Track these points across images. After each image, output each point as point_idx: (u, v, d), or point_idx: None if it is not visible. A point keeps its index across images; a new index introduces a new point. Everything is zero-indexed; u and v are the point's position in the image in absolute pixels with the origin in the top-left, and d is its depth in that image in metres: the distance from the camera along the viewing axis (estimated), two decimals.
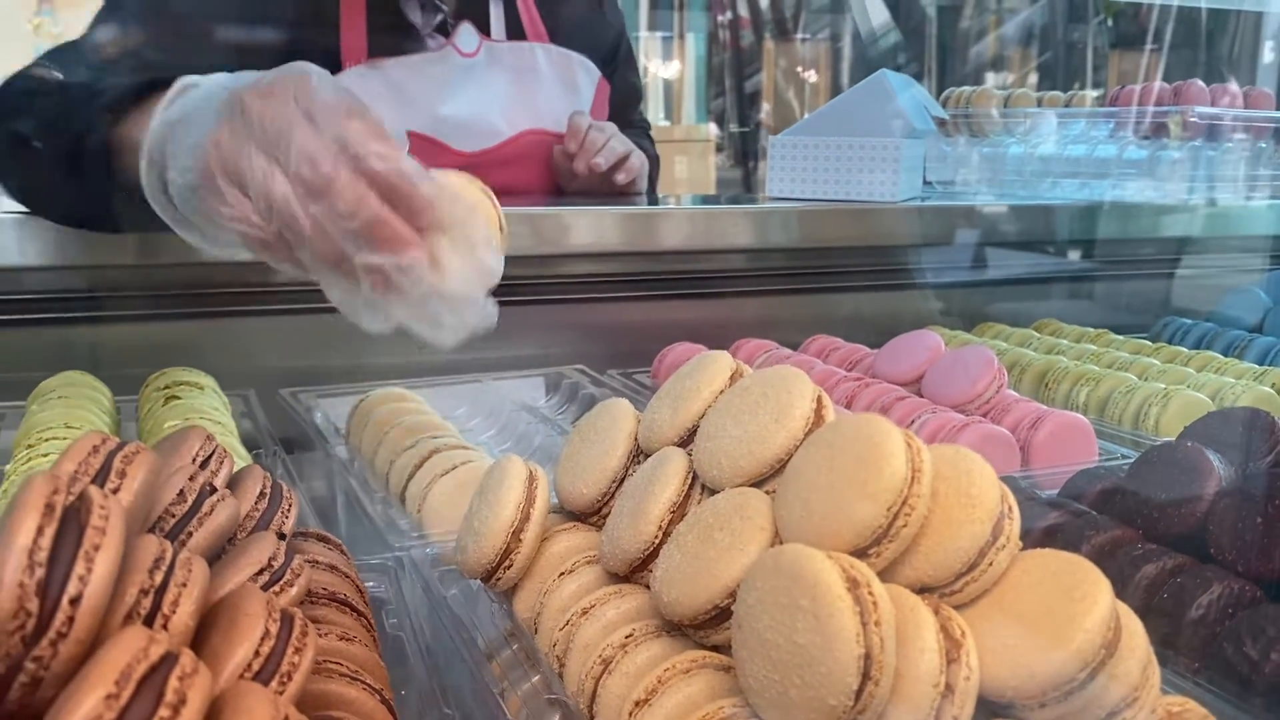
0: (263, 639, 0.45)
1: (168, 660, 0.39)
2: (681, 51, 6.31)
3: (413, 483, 0.94)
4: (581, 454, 0.74)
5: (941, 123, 1.88)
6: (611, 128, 1.64)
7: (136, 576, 0.44)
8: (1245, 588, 0.71)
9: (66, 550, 0.41)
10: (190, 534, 0.54)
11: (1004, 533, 0.53)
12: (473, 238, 0.69)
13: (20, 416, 1.01)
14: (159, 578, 0.44)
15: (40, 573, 0.40)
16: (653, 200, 1.70)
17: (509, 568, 0.68)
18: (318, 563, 0.63)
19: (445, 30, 1.53)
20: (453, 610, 0.72)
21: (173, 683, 0.38)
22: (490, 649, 0.68)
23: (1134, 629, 0.51)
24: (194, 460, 0.62)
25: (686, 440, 0.69)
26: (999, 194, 1.91)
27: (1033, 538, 0.78)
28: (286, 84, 0.68)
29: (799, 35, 6.20)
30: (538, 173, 1.66)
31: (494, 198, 0.77)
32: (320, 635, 0.55)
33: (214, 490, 0.57)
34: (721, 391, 0.70)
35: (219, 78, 0.76)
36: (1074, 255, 1.80)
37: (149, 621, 0.44)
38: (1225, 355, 1.41)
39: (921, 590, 0.52)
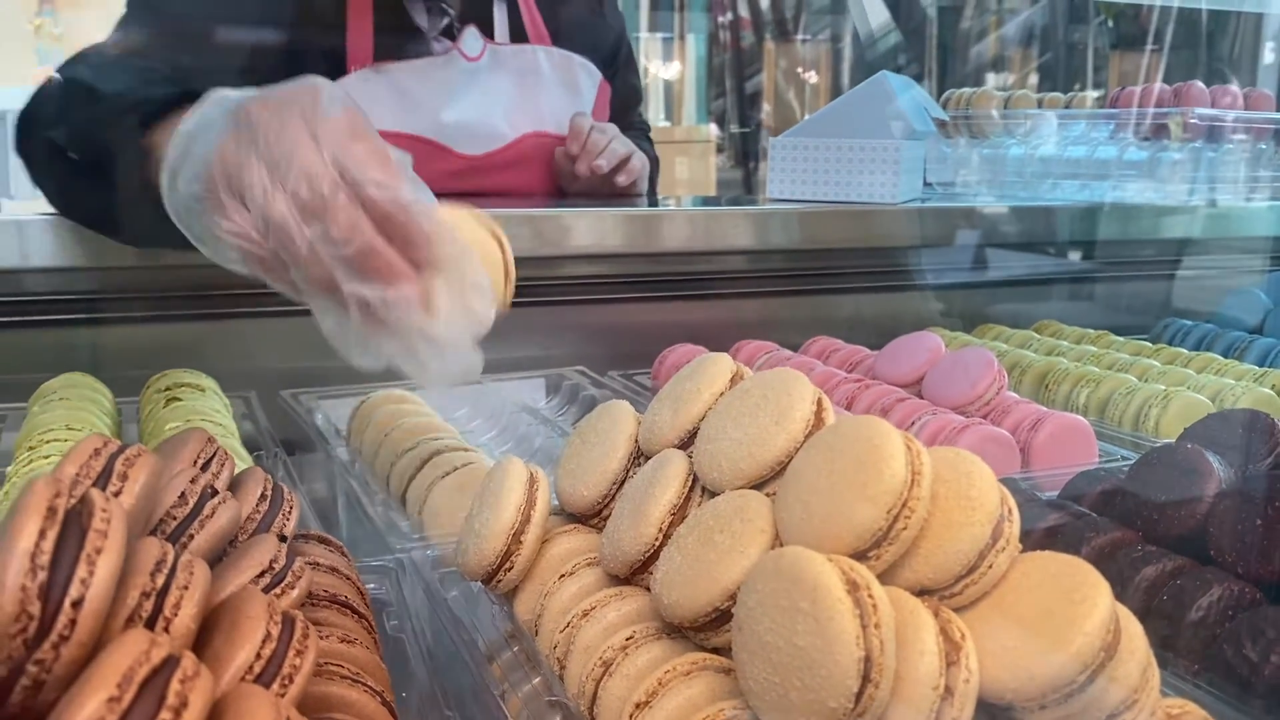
0: (264, 641, 0.45)
1: (169, 663, 0.39)
2: (682, 52, 6.31)
3: (413, 484, 0.94)
4: (582, 456, 0.74)
5: (942, 124, 1.88)
6: (613, 129, 1.64)
7: (138, 579, 0.44)
8: (1245, 590, 0.71)
9: (68, 553, 0.41)
10: (191, 536, 0.54)
11: (1004, 535, 0.53)
12: (465, 281, 0.66)
13: (21, 418, 1.01)
14: (160, 580, 0.45)
15: (42, 576, 0.40)
16: (652, 202, 1.71)
17: (510, 569, 0.68)
18: (319, 565, 0.64)
19: (451, 33, 1.54)
20: (453, 612, 0.72)
21: (174, 685, 0.38)
22: (491, 651, 0.68)
23: (1133, 631, 0.51)
24: (195, 463, 0.62)
25: (687, 442, 0.69)
26: (999, 195, 1.91)
27: (1033, 539, 0.78)
28: (296, 98, 0.67)
29: (799, 36, 6.20)
30: (540, 175, 1.67)
31: (504, 241, 0.73)
32: (321, 637, 0.55)
33: (215, 493, 0.57)
34: (722, 394, 0.70)
35: (247, 91, 0.75)
36: (1074, 257, 1.80)
37: (150, 624, 0.44)
38: (1225, 357, 1.41)
39: (921, 592, 0.53)
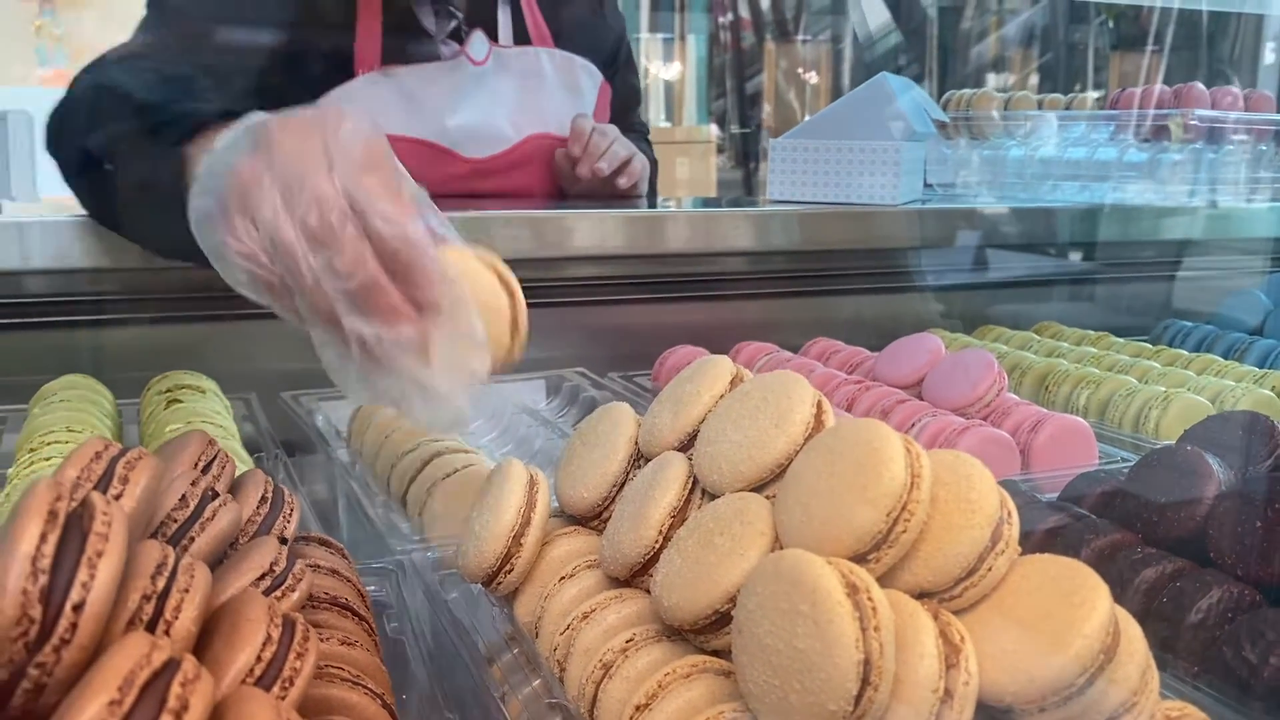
0: (264, 644, 0.45)
1: (170, 666, 0.39)
2: (683, 53, 6.32)
3: (414, 486, 0.94)
4: (582, 458, 0.74)
5: (942, 125, 1.88)
6: (614, 131, 1.64)
7: (139, 582, 0.44)
8: (1245, 592, 0.71)
9: (69, 557, 0.41)
10: (192, 539, 0.54)
11: (1003, 538, 0.53)
12: (460, 333, 0.63)
13: (22, 420, 1.02)
14: (161, 583, 0.45)
15: (43, 579, 0.40)
16: (652, 203, 1.71)
17: (510, 572, 0.69)
18: (319, 567, 0.64)
19: (459, 36, 1.54)
20: (454, 614, 0.72)
21: (175, 689, 0.38)
22: (491, 653, 0.69)
23: (1133, 634, 0.51)
24: (196, 465, 0.62)
25: (687, 445, 0.69)
26: (999, 196, 1.91)
27: (1033, 541, 0.78)
28: (317, 122, 0.66)
29: (800, 37, 6.20)
30: (543, 176, 1.68)
31: (516, 291, 0.69)
32: (322, 640, 0.55)
33: (216, 495, 0.58)
34: (722, 396, 0.70)
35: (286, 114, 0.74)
36: (1074, 258, 1.80)
37: (151, 627, 0.44)
38: (1226, 358, 1.41)
39: (921, 595, 0.53)
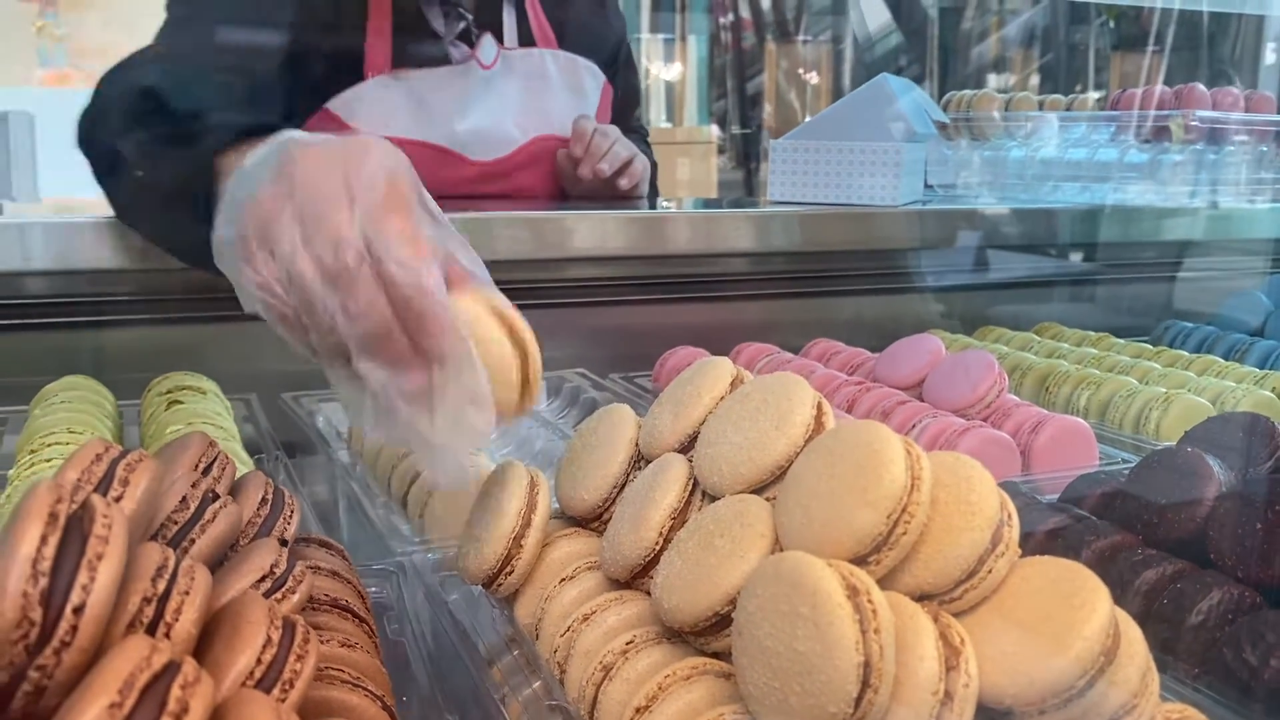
0: (265, 647, 0.45)
1: (170, 669, 0.39)
2: (683, 53, 6.32)
3: (414, 488, 0.94)
4: (582, 459, 0.74)
5: (942, 126, 1.88)
6: (615, 132, 1.65)
7: (139, 585, 0.44)
8: (1245, 593, 0.71)
9: (70, 559, 0.41)
10: (193, 541, 0.54)
11: (1003, 540, 0.53)
12: (464, 389, 0.61)
13: (23, 421, 1.02)
14: (162, 586, 0.45)
15: (44, 582, 0.40)
16: (653, 204, 1.71)
17: (510, 573, 0.69)
18: (319, 569, 0.64)
19: (468, 38, 1.54)
20: (454, 616, 0.72)
21: (175, 691, 0.38)
22: (491, 655, 0.69)
23: (1133, 636, 0.51)
24: (196, 467, 0.62)
25: (687, 446, 0.69)
26: (1000, 197, 1.91)
27: (1033, 542, 0.79)
28: (342, 153, 0.64)
29: (800, 37, 6.20)
30: (548, 177, 1.69)
31: (528, 343, 0.66)
32: (322, 642, 0.55)
33: (216, 497, 0.58)
34: (722, 398, 0.70)
35: (315, 137, 0.72)
36: (1075, 259, 1.80)
37: (151, 630, 0.44)
38: (1226, 359, 1.41)
39: (921, 597, 0.53)
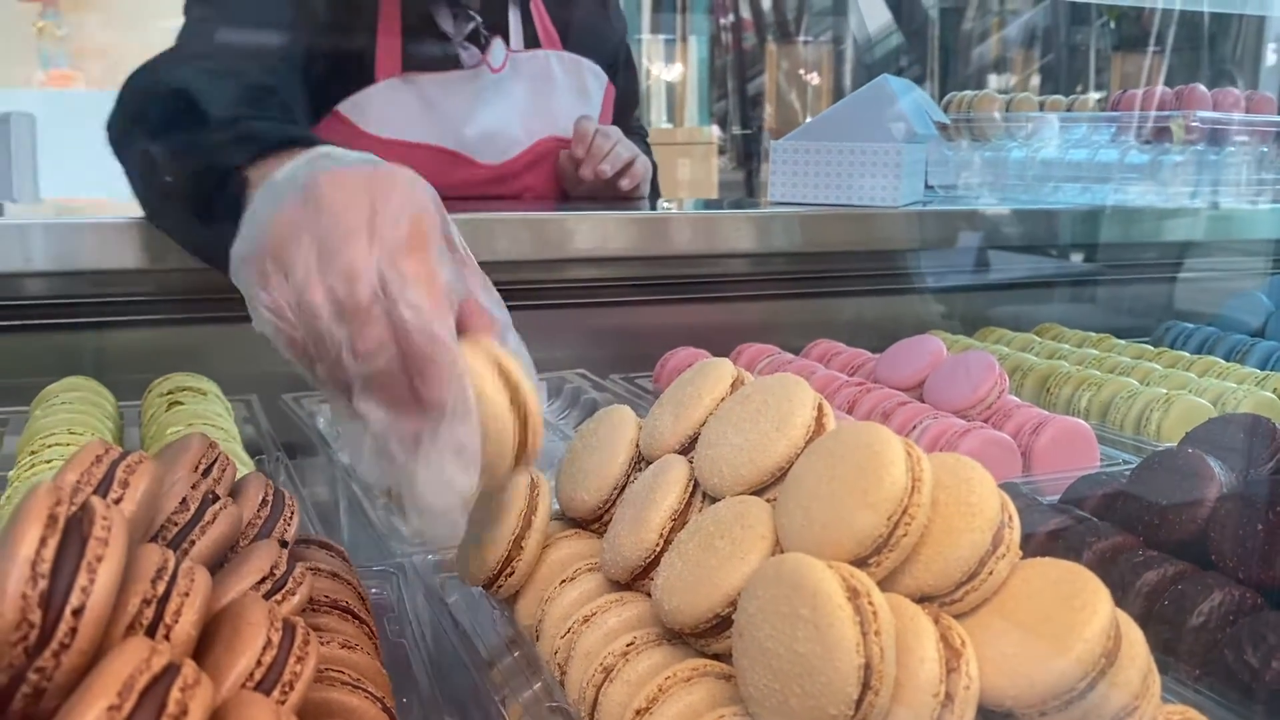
0: (264, 648, 0.45)
1: (170, 671, 0.39)
2: (684, 54, 6.32)
3: None
4: (583, 460, 0.74)
5: (943, 127, 1.88)
6: (616, 133, 1.65)
7: (139, 587, 0.44)
8: (1246, 595, 0.71)
9: (69, 561, 0.41)
10: (193, 543, 0.54)
11: (1004, 541, 0.53)
12: (454, 441, 0.59)
13: (24, 422, 1.02)
14: (161, 588, 0.45)
15: (43, 584, 0.40)
16: (654, 204, 1.71)
17: (511, 575, 0.69)
18: (320, 570, 0.64)
19: (477, 39, 1.55)
20: (454, 617, 0.72)
21: (174, 694, 0.38)
22: (492, 656, 0.68)
23: (1134, 638, 0.51)
24: (196, 468, 0.62)
25: (688, 447, 0.69)
26: (1001, 198, 1.91)
27: (1034, 544, 0.78)
28: (370, 183, 0.63)
29: (801, 38, 6.20)
30: (554, 178, 1.69)
31: (529, 403, 0.64)
32: (322, 643, 0.55)
33: (216, 498, 0.58)
34: (723, 399, 0.70)
35: (348, 155, 0.71)
36: (1076, 259, 1.80)
37: (151, 631, 0.44)
38: (1227, 360, 1.41)
39: (922, 599, 0.53)
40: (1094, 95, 2.30)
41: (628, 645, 0.59)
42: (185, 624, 0.44)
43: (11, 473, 0.87)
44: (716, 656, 0.58)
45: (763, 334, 1.42)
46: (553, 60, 1.65)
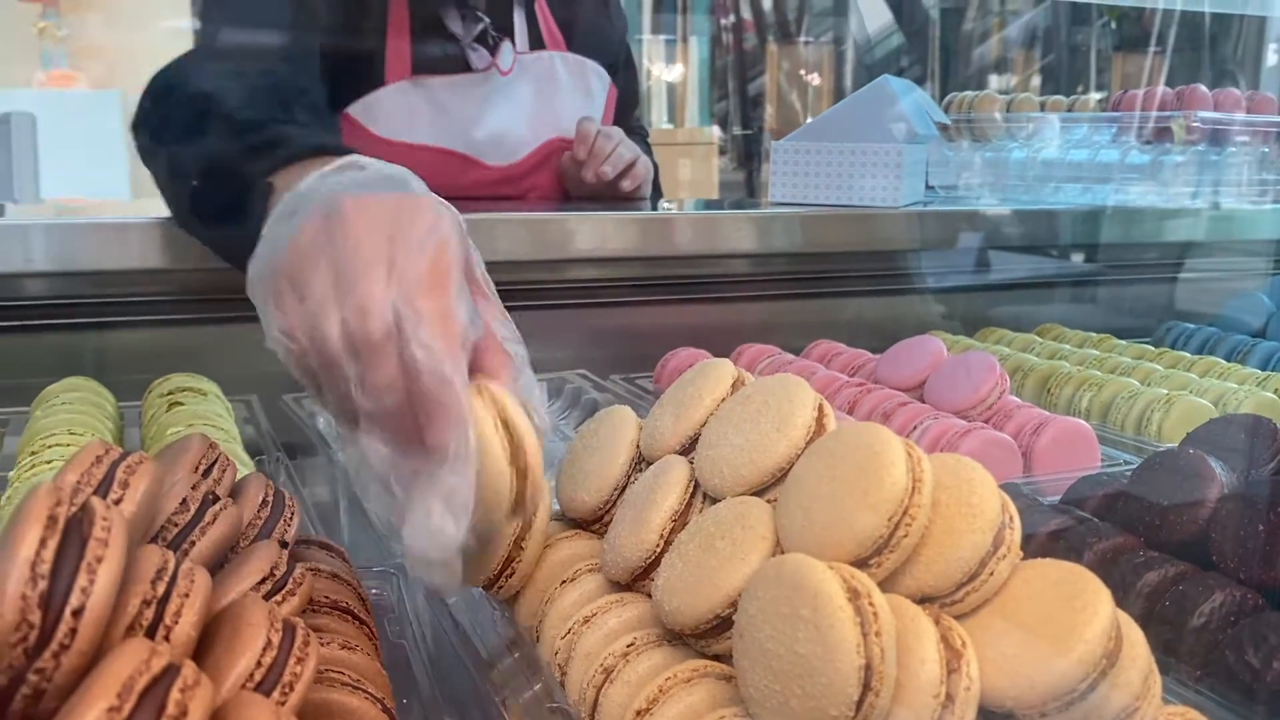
0: (264, 649, 0.45)
1: (169, 672, 0.39)
2: (685, 54, 6.32)
3: None
4: (583, 461, 0.74)
5: (944, 127, 1.88)
6: (618, 134, 1.65)
7: (139, 587, 0.44)
8: (1247, 595, 0.70)
9: (69, 562, 0.41)
10: (193, 543, 0.54)
11: (1005, 542, 0.53)
12: (446, 488, 0.57)
13: (24, 422, 1.02)
14: (161, 588, 0.45)
15: (43, 585, 0.40)
16: (655, 205, 1.71)
17: (511, 575, 0.68)
18: (320, 570, 0.64)
19: (486, 41, 1.55)
20: (455, 618, 0.72)
21: (174, 695, 0.38)
22: (492, 657, 0.68)
23: (1135, 638, 0.51)
24: (197, 469, 0.62)
25: (688, 448, 0.69)
26: (1001, 198, 1.91)
27: (1035, 544, 0.78)
28: (394, 213, 0.61)
29: (802, 38, 6.20)
30: (559, 178, 1.69)
31: (532, 461, 0.62)
32: (322, 644, 0.55)
33: (216, 499, 0.58)
34: (723, 399, 0.70)
35: (384, 168, 0.70)
36: (1077, 260, 1.80)
37: (151, 632, 0.44)
38: (1228, 360, 1.41)
39: (922, 600, 0.53)
40: (1095, 96, 2.30)
41: (628, 646, 0.59)
42: (185, 625, 0.44)
43: (11, 473, 0.87)
44: (717, 657, 0.58)
45: (763, 334, 1.42)
46: (557, 61, 1.65)
